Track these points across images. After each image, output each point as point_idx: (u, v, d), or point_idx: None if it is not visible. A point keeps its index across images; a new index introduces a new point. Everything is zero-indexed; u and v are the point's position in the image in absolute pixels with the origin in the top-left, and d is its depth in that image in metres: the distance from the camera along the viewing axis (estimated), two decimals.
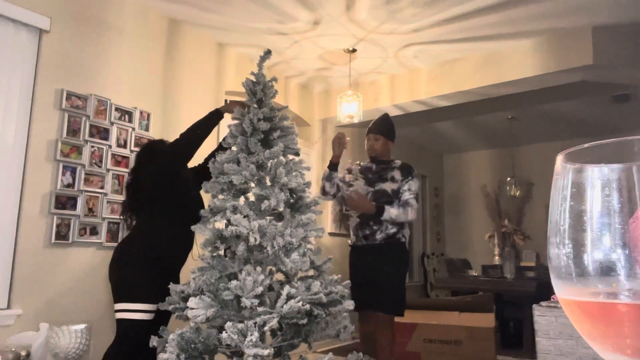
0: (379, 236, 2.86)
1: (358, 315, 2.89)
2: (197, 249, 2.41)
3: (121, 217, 2.52)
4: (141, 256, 2.25)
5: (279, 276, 2.33)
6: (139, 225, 2.37)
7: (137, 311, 2.19)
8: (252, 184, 2.33)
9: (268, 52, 2.50)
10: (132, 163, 2.63)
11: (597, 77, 3.95)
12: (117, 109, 3.11)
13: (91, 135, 2.94)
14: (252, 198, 2.34)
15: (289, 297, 2.08)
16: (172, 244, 2.34)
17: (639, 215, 0.30)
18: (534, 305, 1.47)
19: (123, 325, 2.20)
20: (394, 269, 2.84)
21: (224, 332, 1.95)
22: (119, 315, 2.22)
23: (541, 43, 3.85)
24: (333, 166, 2.97)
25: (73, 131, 2.86)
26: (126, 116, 3.16)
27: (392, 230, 2.85)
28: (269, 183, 2.31)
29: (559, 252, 0.33)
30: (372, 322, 2.81)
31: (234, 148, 2.43)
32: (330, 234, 5.08)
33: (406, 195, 2.86)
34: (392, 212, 2.80)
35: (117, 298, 2.24)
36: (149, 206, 2.37)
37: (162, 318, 2.30)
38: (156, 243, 2.29)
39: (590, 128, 6.10)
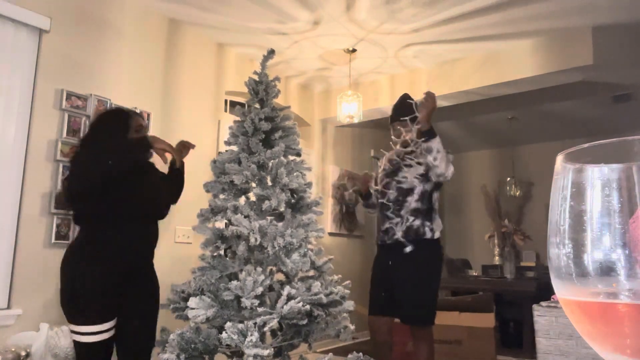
0: (398, 231, 2.53)
1: (368, 320, 2.62)
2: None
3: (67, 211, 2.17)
4: (90, 269, 1.96)
5: (280, 276, 2.33)
6: (87, 227, 2.06)
7: (91, 334, 1.94)
8: (253, 184, 2.33)
9: (271, 52, 2.50)
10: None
11: (597, 77, 3.95)
12: None
13: None
14: (253, 198, 2.35)
15: (289, 298, 2.08)
16: (123, 247, 2.08)
17: (639, 215, 0.30)
18: (534, 305, 1.47)
19: (78, 348, 1.98)
20: (421, 273, 2.47)
21: (224, 332, 1.95)
22: (74, 337, 1.98)
23: (541, 43, 3.85)
24: (365, 196, 2.79)
25: (73, 131, 2.86)
26: None
27: (416, 222, 2.51)
28: (270, 183, 2.31)
29: (559, 252, 0.33)
30: (384, 329, 2.56)
31: (234, 148, 2.43)
32: (330, 234, 5.08)
33: (431, 158, 2.47)
34: (438, 144, 2.44)
35: (68, 318, 1.97)
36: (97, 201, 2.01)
37: (123, 326, 2.09)
38: (104, 249, 2.01)
39: (590, 128, 6.10)
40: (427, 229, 2.52)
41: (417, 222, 2.52)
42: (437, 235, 2.55)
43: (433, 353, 2.50)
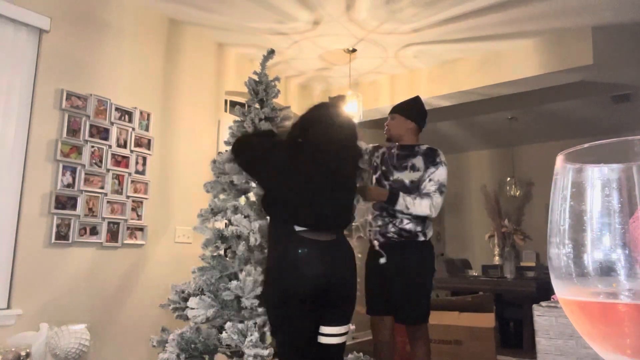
0: (391, 231, 2.50)
1: (370, 320, 2.60)
2: None
3: None
4: None
5: None
6: None
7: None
8: (253, 184, 2.33)
9: (271, 52, 2.50)
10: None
11: (597, 77, 3.95)
12: (117, 109, 3.11)
13: (91, 135, 2.94)
14: (252, 198, 2.35)
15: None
16: None
17: (639, 215, 0.30)
18: (534, 305, 1.47)
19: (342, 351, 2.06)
20: (414, 272, 2.47)
21: (224, 332, 1.95)
22: (344, 340, 2.04)
23: (541, 43, 3.85)
24: None
25: (73, 131, 2.86)
26: (126, 116, 3.16)
27: (408, 225, 2.48)
28: None
29: (559, 252, 0.33)
30: (386, 329, 2.53)
31: None
32: None
33: (428, 187, 2.47)
34: (407, 200, 2.43)
35: (350, 318, 2.08)
36: None
37: None
38: None
39: (590, 128, 6.10)
40: (419, 232, 2.49)
41: (410, 226, 2.48)
42: (429, 237, 2.54)
43: (430, 351, 2.51)
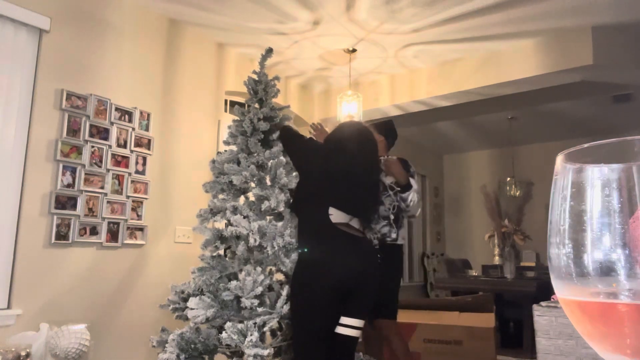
0: (370, 237, 2.60)
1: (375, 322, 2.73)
2: None
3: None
4: None
5: (279, 276, 2.33)
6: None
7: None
8: (252, 184, 2.33)
9: (270, 51, 2.51)
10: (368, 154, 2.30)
11: (597, 77, 3.95)
12: (117, 109, 3.11)
13: (91, 135, 2.94)
14: (252, 198, 2.35)
15: (289, 298, 2.08)
16: None
17: (639, 215, 0.30)
18: (534, 305, 1.47)
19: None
20: (391, 274, 2.65)
21: (223, 332, 1.95)
22: (359, 334, 2.11)
23: (541, 43, 3.85)
24: None
25: (73, 131, 2.86)
26: (126, 116, 3.16)
27: (385, 229, 2.64)
28: (269, 183, 2.31)
29: (559, 252, 0.33)
30: (380, 326, 2.67)
31: (234, 148, 2.43)
32: None
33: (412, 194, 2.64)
34: (413, 195, 2.60)
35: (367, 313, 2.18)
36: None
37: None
38: None
39: (590, 128, 6.10)
40: (393, 234, 2.65)
41: (386, 229, 2.64)
42: (400, 241, 2.70)
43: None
